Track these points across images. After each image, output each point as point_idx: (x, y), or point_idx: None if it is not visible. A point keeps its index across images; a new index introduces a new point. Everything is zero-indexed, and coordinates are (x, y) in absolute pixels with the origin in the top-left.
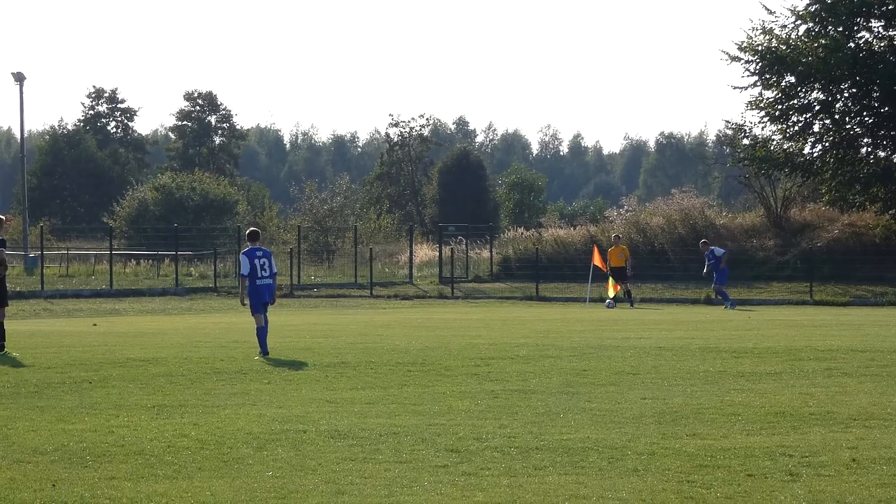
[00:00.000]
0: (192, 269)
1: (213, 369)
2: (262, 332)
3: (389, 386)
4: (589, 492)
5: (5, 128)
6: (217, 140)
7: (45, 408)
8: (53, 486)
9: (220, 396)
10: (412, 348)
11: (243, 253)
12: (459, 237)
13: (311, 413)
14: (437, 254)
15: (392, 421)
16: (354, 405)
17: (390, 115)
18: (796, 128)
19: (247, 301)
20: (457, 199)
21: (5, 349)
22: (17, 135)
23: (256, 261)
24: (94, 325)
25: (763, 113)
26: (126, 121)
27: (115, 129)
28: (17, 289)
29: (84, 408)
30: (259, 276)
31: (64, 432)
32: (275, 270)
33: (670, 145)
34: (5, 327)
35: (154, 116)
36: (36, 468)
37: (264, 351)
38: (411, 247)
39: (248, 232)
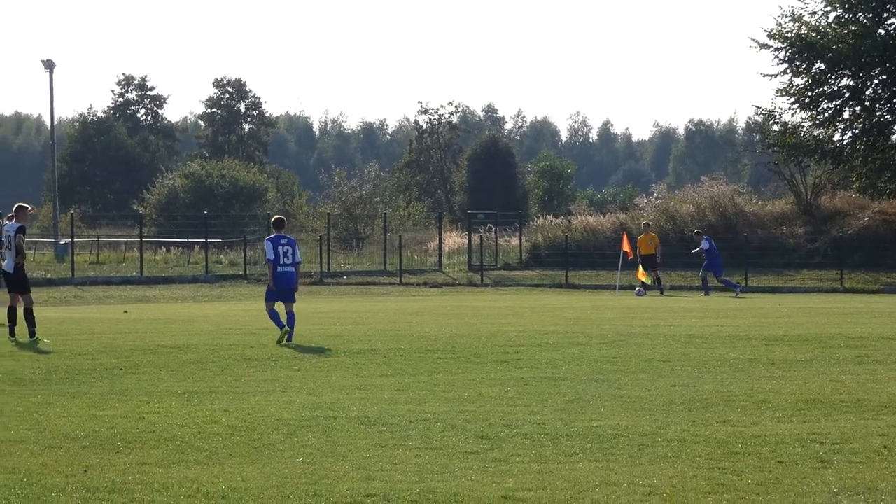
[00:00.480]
0: (221, 256)
1: (243, 356)
2: (273, 314)
3: (419, 373)
4: (619, 478)
5: (35, 115)
6: (246, 127)
7: (77, 394)
8: (85, 471)
9: (251, 383)
10: (442, 336)
11: (268, 239)
12: (488, 224)
13: (342, 399)
14: (467, 241)
15: (422, 408)
16: (384, 392)
17: (419, 102)
18: (826, 115)
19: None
20: (486, 187)
21: (36, 335)
22: (48, 122)
23: (280, 248)
24: (125, 312)
25: (793, 100)
26: (155, 108)
27: (144, 117)
28: (48, 276)
29: (115, 394)
30: (281, 263)
31: (95, 418)
32: (298, 259)
33: (700, 132)
34: (34, 314)
35: (183, 104)
36: (67, 454)
37: (279, 325)
38: (440, 234)
39: (273, 220)
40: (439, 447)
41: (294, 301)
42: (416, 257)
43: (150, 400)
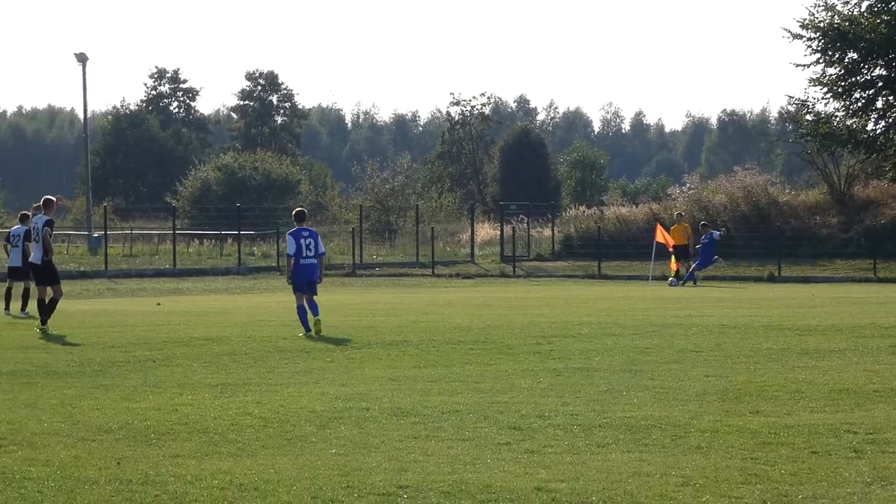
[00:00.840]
0: (254, 248)
1: (276, 348)
2: (302, 311)
3: (452, 364)
4: (652, 469)
5: (68, 108)
6: (279, 120)
7: (110, 386)
8: (118, 463)
9: (284, 374)
10: (474, 327)
11: (289, 233)
12: (521, 216)
13: (374, 391)
14: (499, 232)
15: (454, 399)
16: (417, 383)
17: (451, 93)
18: (859, 104)
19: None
20: (518, 178)
21: (47, 324)
22: (81, 115)
23: (302, 241)
24: (158, 304)
25: (826, 89)
26: (188, 101)
27: (177, 109)
28: (81, 268)
29: (148, 386)
30: (304, 255)
31: (128, 411)
32: (321, 251)
33: (732, 122)
34: (57, 307)
35: (216, 96)
36: (101, 446)
37: (306, 328)
38: (472, 226)
39: (294, 213)
40: (472, 438)
41: (315, 293)
42: (448, 249)
43: (183, 392)
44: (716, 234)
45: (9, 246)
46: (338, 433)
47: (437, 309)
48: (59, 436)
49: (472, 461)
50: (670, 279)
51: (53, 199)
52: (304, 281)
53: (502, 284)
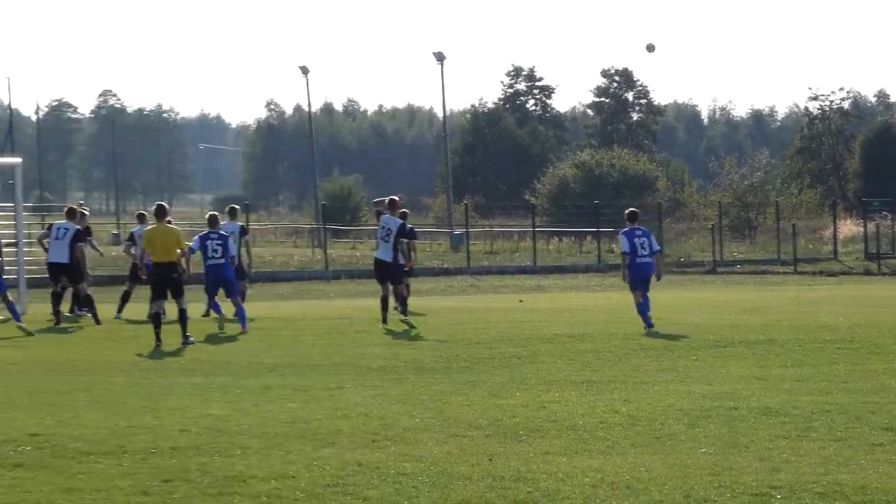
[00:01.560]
0: (613, 245)
1: (639, 345)
2: (640, 308)
3: (819, 363)
4: None
5: (427, 107)
6: (634, 116)
7: (477, 383)
8: (490, 460)
9: (649, 372)
10: (840, 325)
11: (622, 233)
12: (885, 212)
13: (741, 390)
14: (862, 229)
15: (823, 398)
16: (784, 382)
17: (809, 88)
18: None
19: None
20: (881, 173)
21: (411, 323)
22: (439, 114)
23: (636, 240)
24: (520, 301)
25: None
26: (544, 98)
27: (533, 107)
28: (444, 265)
29: (515, 383)
30: (639, 254)
31: (496, 407)
32: (656, 248)
33: None
34: (407, 302)
35: (571, 94)
36: (471, 442)
37: (647, 324)
38: (835, 222)
39: (627, 213)
40: (844, 439)
41: (648, 289)
42: (809, 246)
43: (549, 389)
44: None
45: None
46: (707, 432)
47: (801, 307)
48: (430, 431)
49: (846, 462)
50: None
51: (397, 198)
52: (641, 279)
53: (867, 283)
